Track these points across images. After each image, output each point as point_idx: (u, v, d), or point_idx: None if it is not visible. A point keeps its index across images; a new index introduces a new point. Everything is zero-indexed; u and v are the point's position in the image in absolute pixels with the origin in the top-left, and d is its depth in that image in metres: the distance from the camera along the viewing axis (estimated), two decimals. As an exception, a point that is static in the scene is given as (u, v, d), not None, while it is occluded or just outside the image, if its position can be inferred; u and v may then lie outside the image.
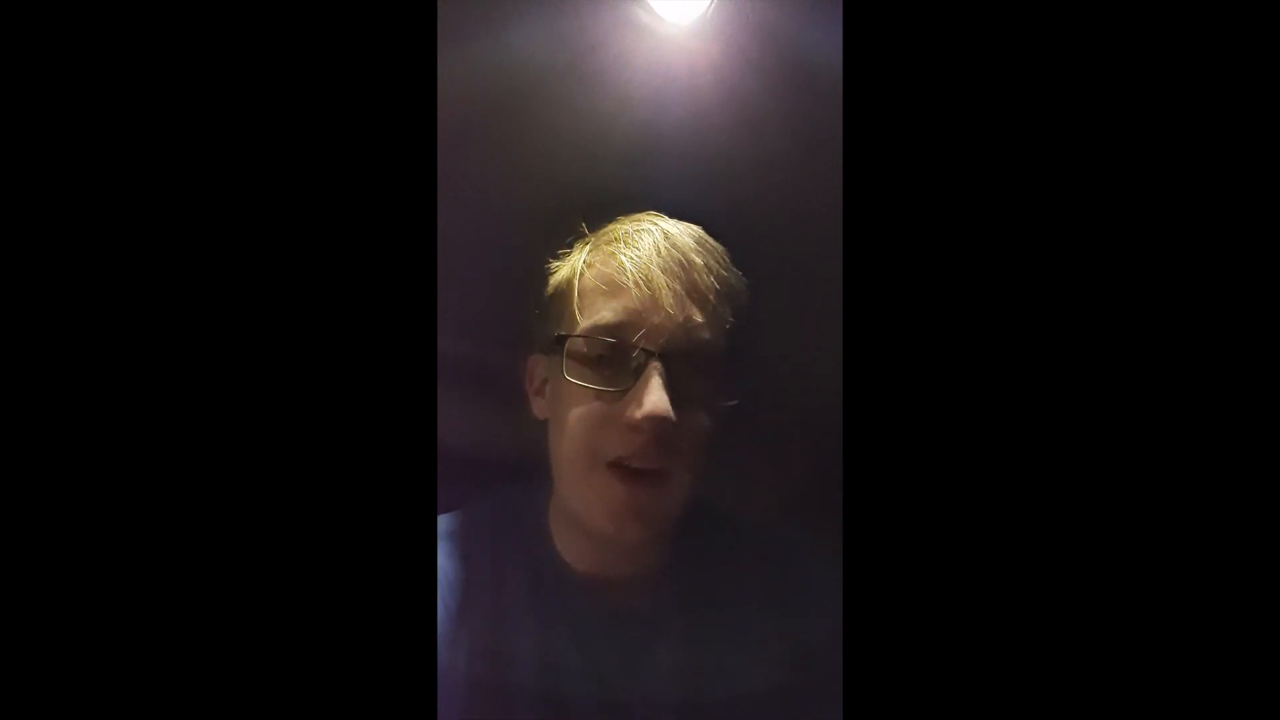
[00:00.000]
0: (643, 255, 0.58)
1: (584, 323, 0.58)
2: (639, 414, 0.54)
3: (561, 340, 0.59)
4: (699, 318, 0.57)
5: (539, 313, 0.64)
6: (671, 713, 0.63)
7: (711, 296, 0.58)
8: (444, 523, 0.66)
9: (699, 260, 0.59)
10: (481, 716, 0.61)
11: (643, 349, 0.56)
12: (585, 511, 0.59)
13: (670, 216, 0.64)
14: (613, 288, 0.58)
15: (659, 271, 0.57)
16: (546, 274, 0.63)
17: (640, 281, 0.56)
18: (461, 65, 0.65)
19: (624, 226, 0.61)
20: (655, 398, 0.54)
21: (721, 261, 0.61)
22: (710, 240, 0.62)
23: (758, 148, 0.70)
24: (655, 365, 0.55)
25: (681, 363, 0.57)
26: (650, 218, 0.62)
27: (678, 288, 0.57)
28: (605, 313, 0.57)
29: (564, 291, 0.61)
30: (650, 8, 0.67)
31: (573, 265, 0.61)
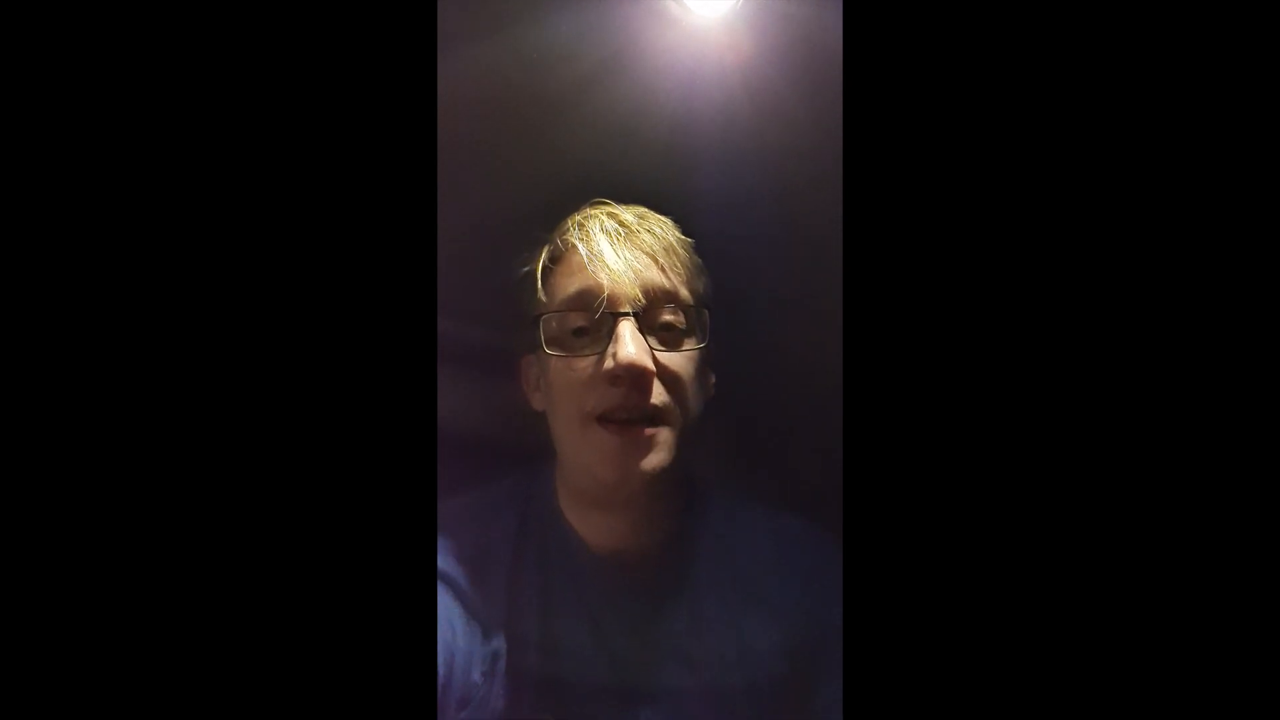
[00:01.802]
0: (594, 234, 0.63)
1: (550, 304, 0.64)
2: (612, 363, 0.59)
3: (536, 320, 0.64)
4: (653, 275, 0.62)
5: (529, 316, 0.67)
6: (677, 684, 0.65)
7: (661, 259, 0.63)
8: (457, 507, 0.69)
9: (644, 230, 0.64)
10: (494, 693, 0.64)
11: (608, 312, 0.61)
12: (588, 469, 0.63)
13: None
14: (572, 269, 0.63)
15: (608, 244, 0.62)
16: (523, 279, 0.67)
17: (595, 255, 0.62)
18: (482, 53, 0.67)
19: (574, 218, 0.66)
20: (627, 348, 0.59)
21: (667, 228, 0.65)
22: (654, 214, 0.67)
23: (785, 139, 0.69)
24: (626, 321, 0.60)
25: (650, 317, 0.62)
26: (595, 206, 0.66)
27: (629, 254, 0.62)
28: (570, 290, 0.62)
29: (533, 286, 0.66)
30: (680, 0, 0.66)
31: (536, 263, 0.66)
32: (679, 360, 0.62)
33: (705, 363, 0.65)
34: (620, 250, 0.62)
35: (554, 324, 0.63)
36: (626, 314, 0.60)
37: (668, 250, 0.64)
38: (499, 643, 0.64)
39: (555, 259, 0.65)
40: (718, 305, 0.67)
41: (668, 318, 0.62)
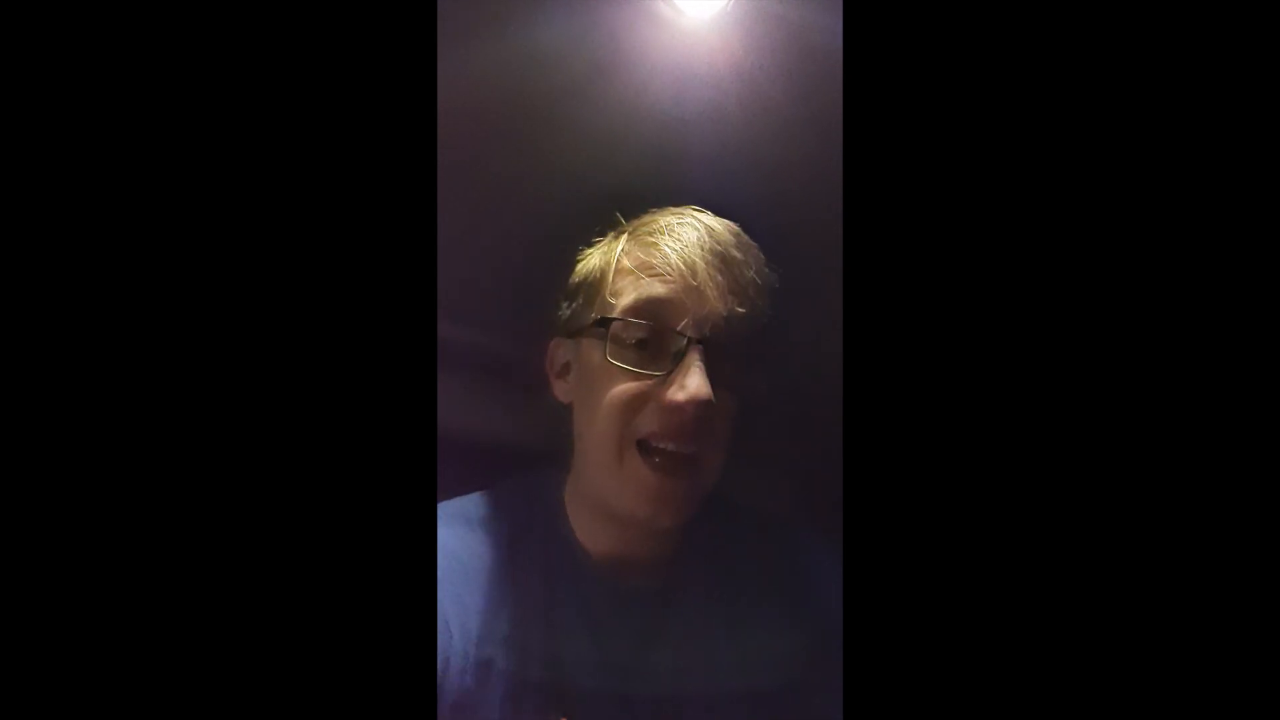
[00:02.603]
0: (688, 246, 0.59)
1: (622, 307, 0.59)
2: (682, 396, 0.56)
3: (605, 323, 0.60)
4: (740, 309, 0.59)
5: (566, 300, 0.66)
6: (678, 691, 0.65)
7: (750, 290, 0.60)
8: (459, 506, 0.68)
9: (739, 255, 0.60)
10: (493, 697, 0.63)
11: (686, 335, 0.57)
12: (615, 495, 0.61)
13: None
14: (654, 275, 0.59)
15: (703, 263, 0.58)
16: (574, 261, 0.64)
17: (685, 271, 0.58)
18: (476, 56, 0.66)
19: (666, 218, 0.62)
20: (698, 381, 0.56)
21: (758, 258, 0.62)
22: (746, 237, 0.63)
23: (776, 141, 0.70)
24: (697, 349, 0.57)
25: (718, 350, 0.58)
26: (692, 211, 0.63)
27: (720, 279, 0.58)
28: (648, 298, 0.59)
29: (597, 279, 0.62)
30: (671, 1, 0.66)
31: (607, 253, 0.63)
32: (733, 405, 0.60)
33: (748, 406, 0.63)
34: (714, 272, 0.58)
35: (622, 331, 0.59)
36: (696, 341, 0.57)
37: (751, 284, 0.60)
38: (495, 647, 0.63)
39: (631, 257, 0.61)
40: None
41: (733, 357, 0.59)
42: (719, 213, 0.67)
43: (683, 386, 0.56)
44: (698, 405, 0.56)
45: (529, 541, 0.66)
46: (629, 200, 0.68)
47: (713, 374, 0.57)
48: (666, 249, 0.59)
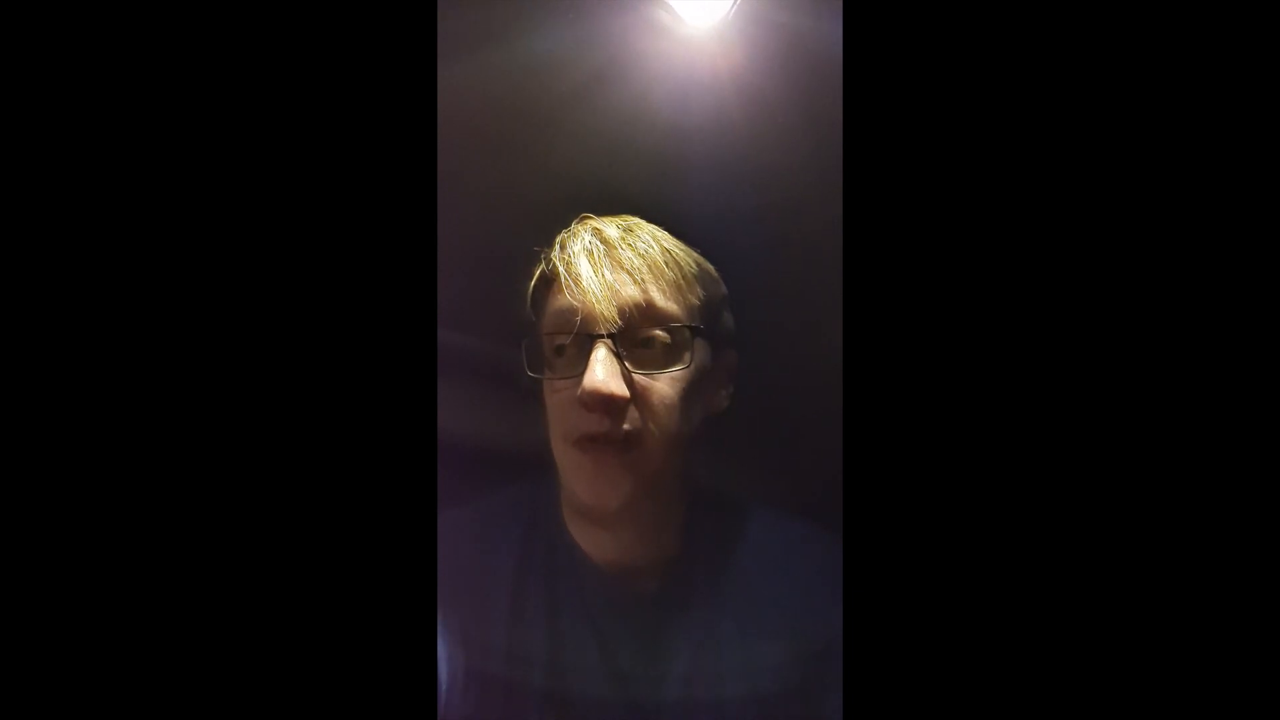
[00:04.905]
0: (573, 255, 0.62)
1: (543, 323, 0.65)
2: (581, 388, 0.59)
3: (526, 341, 0.65)
4: (633, 294, 0.61)
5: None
6: (682, 697, 0.65)
7: (643, 273, 0.62)
8: (460, 515, 0.69)
9: (625, 243, 0.63)
10: (495, 706, 0.64)
11: (586, 334, 0.60)
12: (571, 488, 0.63)
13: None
14: (556, 289, 0.63)
15: (585, 266, 0.61)
16: (519, 295, 0.68)
17: (568, 279, 0.61)
18: (480, 65, 0.67)
19: (561, 235, 0.66)
20: (595, 373, 0.59)
21: (655, 239, 0.64)
22: (643, 225, 0.65)
23: (778, 148, 0.70)
24: (602, 343, 0.60)
25: (628, 338, 0.61)
26: (582, 222, 0.66)
27: (606, 273, 0.61)
28: (555, 310, 0.63)
29: (523, 305, 0.67)
30: (672, 9, 0.66)
31: (529, 282, 0.67)
32: (661, 382, 0.61)
33: (705, 378, 0.64)
34: (600, 269, 0.61)
35: (541, 345, 0.64)
36: (601, 336, 0.60)
37: (652, 267, 0.62)
38: (497, 655, 0.64)
39: (545, 278, 0.65)
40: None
41: (648, 338, 0.61)
42: (722, 219, 0.68)
43: (582, 379, 0.59)
44: (596, 395, 0.58)
45: (531, 549, 0.68)
46: (627, 208, 0.68)
47: (633, 361, 0.61)
48: (557, 262, 0.63)
